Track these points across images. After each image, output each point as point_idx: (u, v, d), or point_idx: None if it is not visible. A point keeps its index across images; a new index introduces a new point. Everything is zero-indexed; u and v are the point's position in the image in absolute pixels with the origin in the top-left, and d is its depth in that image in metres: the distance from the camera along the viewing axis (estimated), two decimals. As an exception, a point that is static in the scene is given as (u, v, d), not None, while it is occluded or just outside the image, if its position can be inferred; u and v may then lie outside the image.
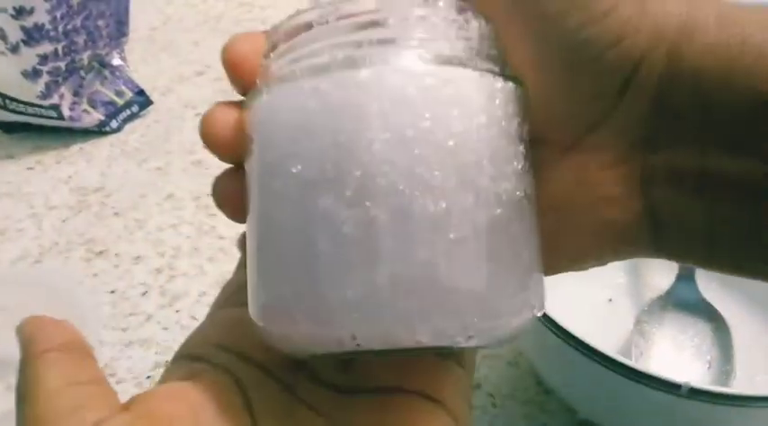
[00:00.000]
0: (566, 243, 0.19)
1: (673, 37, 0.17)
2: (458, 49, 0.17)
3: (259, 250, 0.17)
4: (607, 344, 0.30)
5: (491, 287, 0.16)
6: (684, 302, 0.38)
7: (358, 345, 0.15)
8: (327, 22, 0.17)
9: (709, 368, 0.35)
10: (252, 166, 0.18)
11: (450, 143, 0.16)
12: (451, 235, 0.15)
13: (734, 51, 0.16)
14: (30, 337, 0.18)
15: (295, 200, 0.16)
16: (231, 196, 0.19)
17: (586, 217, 0.19)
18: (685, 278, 0.38)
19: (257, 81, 0.18)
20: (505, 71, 0.17)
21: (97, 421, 0.16)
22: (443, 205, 0.15)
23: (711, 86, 0.16)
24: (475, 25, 0.17)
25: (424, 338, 0.15)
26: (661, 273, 0.40)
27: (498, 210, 0.16)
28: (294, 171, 0.16)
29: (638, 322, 0.37)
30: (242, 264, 0.20)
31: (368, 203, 0.15)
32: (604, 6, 0.17)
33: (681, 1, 0.17)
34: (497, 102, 0.17)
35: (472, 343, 0.16)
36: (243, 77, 0.18)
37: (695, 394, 0.28)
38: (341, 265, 0.15)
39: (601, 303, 0.41)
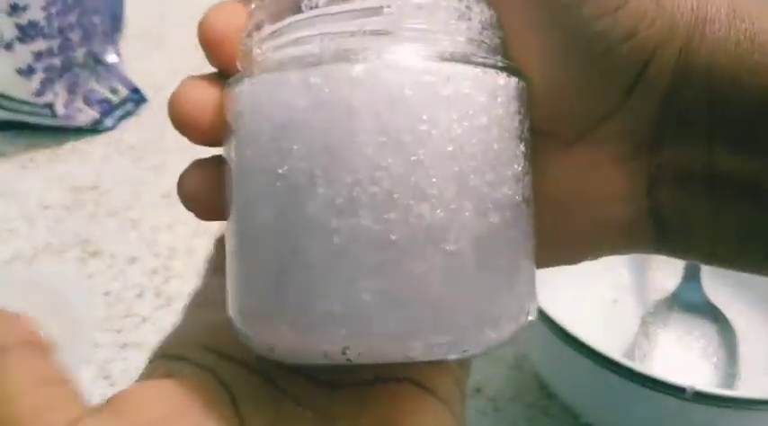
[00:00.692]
0: (564, 236, 0.19)
1: (685, 31, 0.16)
2: (459, 43, 0.16)
3: (240, 250, 0.16)
4: (611, 346, 0.29)
5: (486, 299, 0.15)
6: (690, 304, 0.37)
7: (348, 360, 0.15)
8: (317, 5, 0.16)
9: (714, 370, 0.35)
10: (232, 158, 0.16)
11: (450, 148, 0.15)
12: (448, 248, 0.15)
13: (743, 47, 0.16)
14: None
15: (280, 203, 0.15)
16: (199, 194, 0.18)
17: (588, 211, 0.18)
18: (691, 279, 0.38)
19: (239, 64, 0.17)
20: (507, 64, 0.17)
21: (69, 422, 0.15)
22: (440, 215, 0.15)
23: (721, 83, 0.16)
24: (477, 12, 0.16)
25: (416, 354, 0.15)
26: (666, 275, 0.40)
27: (497, 219, 0.15)
28: (280, 171, 0.15)
29: (642, 323, 0.37)
30: (214, 264, 0.19)
31: (360, 212, 0.14)
32: None
33: None
34: (499, 100, 0.16)
35: (466, 355, 0.15)
36: (222, 57, 0.17)
37: (700, 397, 0.28)
38: (329, 277, 0.15)
39: (605, 304, 0.40)
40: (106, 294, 0.43)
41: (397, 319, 0.14)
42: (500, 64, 0.16)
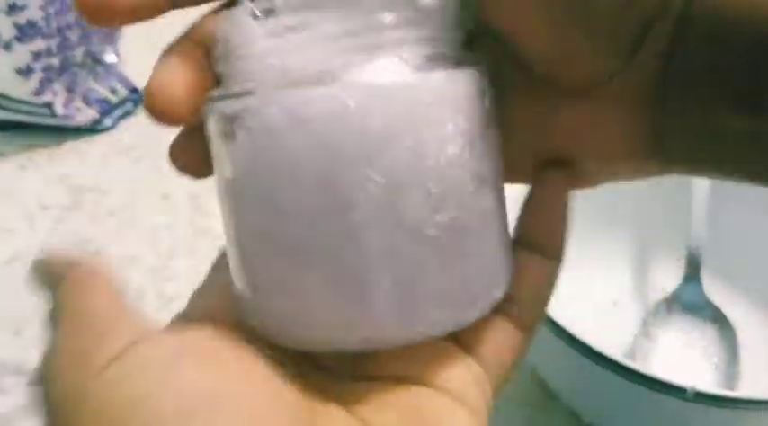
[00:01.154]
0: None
1: None
2: (437, 44, 0.16)
3: (242, 241, 0.17)
4: (612, 347, 0.29)
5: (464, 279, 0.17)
6: (690, 304, 0.37)
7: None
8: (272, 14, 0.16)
9: (715, 370, 0.35)
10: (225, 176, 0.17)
11: (440, 163, 0.16)
12: (431, 233, 0.16)
13: None
14: (51, 265, 0.18)
15: (276, 213, 0.16)
16: (192, 160, 0.19)
17: (590, 156, 0.19)
18: (691, 280, 0.38)
19: (218, 70, 0.17)
20: (467, 58, 0.17)
21: (134, 340, 0.16)
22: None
23: (724, 27, 0.16)
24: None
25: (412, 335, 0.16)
26: (667, 275, 0.40)
27: (473, 219, 0.17)
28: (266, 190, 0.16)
29: (643, 324, 0.37)
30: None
31: (357, 236, 0.15)
32: None
33: None
34: (482, 102, 0.17)
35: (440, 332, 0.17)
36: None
37: (701, 397, 0.28)
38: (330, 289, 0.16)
39: (606, 305, 0.40)
40: (106, 294, 0.43)
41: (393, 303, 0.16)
42: (473, 57, 0.17)
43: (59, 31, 0.54)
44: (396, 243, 0.15)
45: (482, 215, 0.17)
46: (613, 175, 0.20)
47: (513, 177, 0.20)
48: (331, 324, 0.16)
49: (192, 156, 0.19)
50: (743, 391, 0.34)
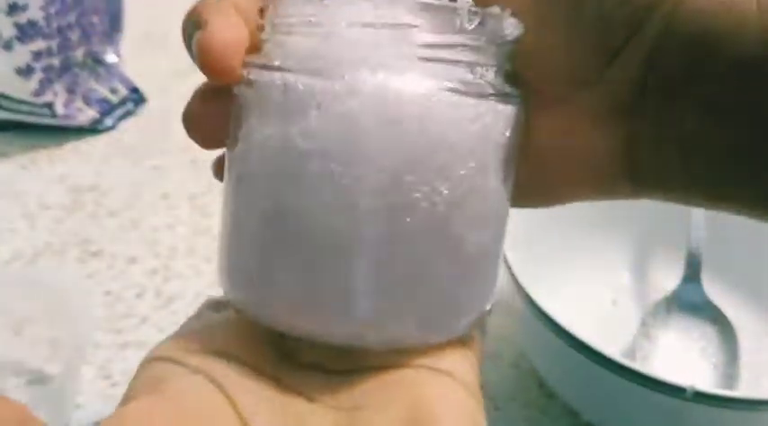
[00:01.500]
0: (542, 183, 0.20)
1: None
2: (464, 76, 0.16)
3: (233, 216, 0.18)
4: (611, 346, 0.29)
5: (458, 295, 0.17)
6: (690, 304, 0.37)
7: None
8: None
9: (714, 370, 0.35)
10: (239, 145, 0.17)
11: (475, 187, 0.16)
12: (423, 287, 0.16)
13: (721, 12, 0.16)
14: None
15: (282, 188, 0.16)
16: (204, 123, 0.18)
17: (565, 164, 0.19)
18: (691, 280, 0.38)
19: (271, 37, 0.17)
20: (510, 82, 0.18)
21: None
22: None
23: (701, 49, 0.16)
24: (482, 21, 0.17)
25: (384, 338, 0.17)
26: (666, 275, 0.40)
27: (491, 241, 0.17)
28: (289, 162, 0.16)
29: (642, 324, 0.37)
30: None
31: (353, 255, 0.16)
32: None
33: None
34: (516, 133, 0.17)
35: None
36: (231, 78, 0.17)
37: (700, 397, 0.28)
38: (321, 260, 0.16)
39: (605, 305, 0.40)
40: (106, 294, 0.43)
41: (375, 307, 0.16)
42: (507, 88, 0.17)
43: (60, 31, 0.54)
44: (434, 258, 0.16)
45: (496, 237, 0.18)
46: (579, 193, 0.20)
47: None
48: (338, 319, 0.17)
49: (208, 124, 0.18)
50: (742, 391, 0.34)
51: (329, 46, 0.16)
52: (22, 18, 0.51)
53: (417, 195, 0.15)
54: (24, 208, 0.50)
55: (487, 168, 0.16)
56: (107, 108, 0.59)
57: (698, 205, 0.19)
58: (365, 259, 0.16)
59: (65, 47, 0.55)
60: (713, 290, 0.38)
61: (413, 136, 0.15)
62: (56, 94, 0.55)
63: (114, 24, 0.62)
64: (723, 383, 0.35)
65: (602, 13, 0.17)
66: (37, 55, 0.53)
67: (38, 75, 0.53)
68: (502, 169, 0.17)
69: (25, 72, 0.53)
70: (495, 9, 0.17)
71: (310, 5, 0.16)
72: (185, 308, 0.43)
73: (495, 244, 0.18)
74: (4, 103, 0.55)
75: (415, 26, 0.16)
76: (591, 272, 0.41)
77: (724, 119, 0.17)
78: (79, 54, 0.57)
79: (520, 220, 0.31)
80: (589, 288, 0.40)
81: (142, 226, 0.49)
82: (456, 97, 0.16)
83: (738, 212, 0.18)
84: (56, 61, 0.55)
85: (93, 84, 0.59)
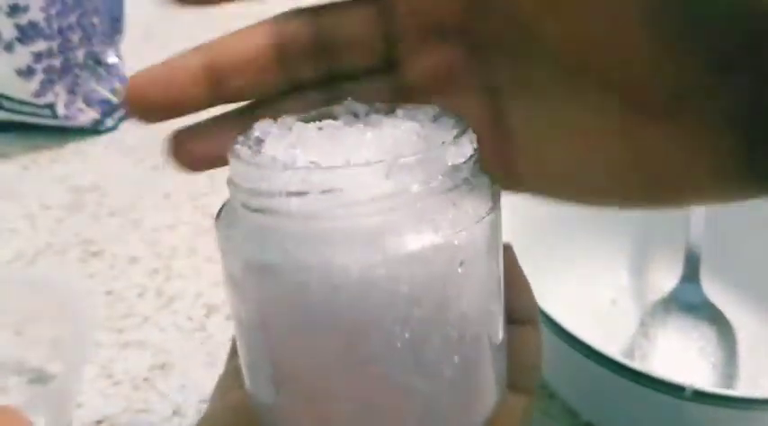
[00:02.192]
0: (650, 192, 0.19)
1: None
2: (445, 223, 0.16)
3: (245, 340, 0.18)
4: (610, 346, 0.29)
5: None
6: (689, 304, 0.37)
7: None
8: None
9: (713, 370, 0.35)
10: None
11: (461, 310, 0.16)
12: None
13: None
14: None
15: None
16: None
17: (676, 178, 0.18)
18: (690, 279, 0.38)
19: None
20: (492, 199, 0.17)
21: None
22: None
23: None
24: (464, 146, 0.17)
25: None
26: (665, 275, 0.40)
27: (485, 354, 0.17)
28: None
29: (641, 324, 0.37)
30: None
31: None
32: None
33: None
34: (498, 245, 0.17)
35: None
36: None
37: (699, 396, 0.28)
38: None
39: (604, 304, 0.40)
40: (107, 294, 0.44)
41: None
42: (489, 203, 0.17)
43: (61, 32, 0.54)
44: (412, 382, 0.16)
45: (494, 348, 0.18)
46: (701, 197, 0.19)
47: (605, 200, 0.20)
48: None
49: (192, 153, 0.19)
50: (741, 390, 0.34)
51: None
52: (23, 19, 0.51)
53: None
54: (26, 209, 0.51)
55: (477, 288, 0.17)
56: (108, 108, 0.59)
57: None
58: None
59: (66, 48, 0.55)
60: (712, 290, 0.38)
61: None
62: (57, 95, 0.56)
63: (115, 25, 0.62)
64: (722, 382, 0.35)
65: (726, 15, 0.15)
66: (38, 56, 0.53)
67: (39, 76, 0.54)
68: (494, 280, 0.17)
69: (26, 73, 0.53)
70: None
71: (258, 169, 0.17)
72: (186, 308, 0.43)
73: (495, 353, 0.18)
74: (6, 104, 0.55)
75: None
76: (590, 272, 0.41)
77: None
78: (80, 55, 0.57)
79: (520, 220, 0.31)
80: (588, 288, 0.40)
81: (143, 226, 0.49)
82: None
83: None
84: (57, 62, 0.55)
85: (94, 85, 0.59)
